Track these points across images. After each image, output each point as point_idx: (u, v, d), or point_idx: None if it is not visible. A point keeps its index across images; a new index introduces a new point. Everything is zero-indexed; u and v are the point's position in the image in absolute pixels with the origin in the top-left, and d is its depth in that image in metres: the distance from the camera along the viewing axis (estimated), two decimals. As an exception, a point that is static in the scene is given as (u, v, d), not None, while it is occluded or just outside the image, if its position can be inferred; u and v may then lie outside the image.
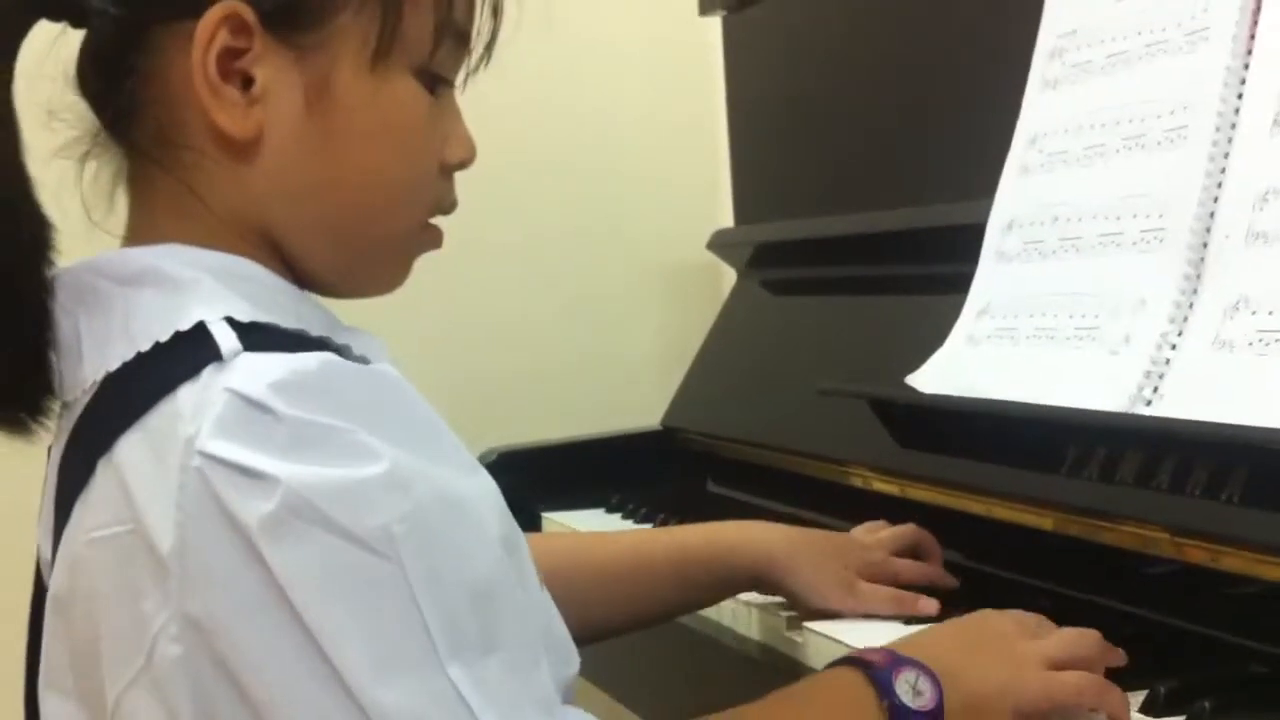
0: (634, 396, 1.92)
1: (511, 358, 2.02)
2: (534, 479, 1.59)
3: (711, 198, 2.03)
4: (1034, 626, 0.89)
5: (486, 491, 0.72)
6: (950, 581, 1.15)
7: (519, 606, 0.71)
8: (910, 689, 0.78)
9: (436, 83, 0.79)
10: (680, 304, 2.09)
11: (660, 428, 1.72)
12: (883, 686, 0.78)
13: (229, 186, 0.75)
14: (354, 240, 0.79)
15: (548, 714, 0.68)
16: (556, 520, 1.56)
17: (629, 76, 2.11)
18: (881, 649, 0.83)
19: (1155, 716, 0.83)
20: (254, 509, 0.65)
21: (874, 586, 1.09)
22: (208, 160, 0.75)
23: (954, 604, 1.07)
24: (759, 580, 1.11)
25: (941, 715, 0.79)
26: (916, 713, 0.78)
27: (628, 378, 2.04)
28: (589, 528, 1.49)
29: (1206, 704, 0.81)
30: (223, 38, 0.73)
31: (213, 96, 0.73)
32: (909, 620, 1.07)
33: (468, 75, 0.82)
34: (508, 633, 0.68)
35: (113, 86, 0.75)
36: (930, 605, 1.07)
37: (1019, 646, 0.86)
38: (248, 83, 0.74)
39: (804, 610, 1.10)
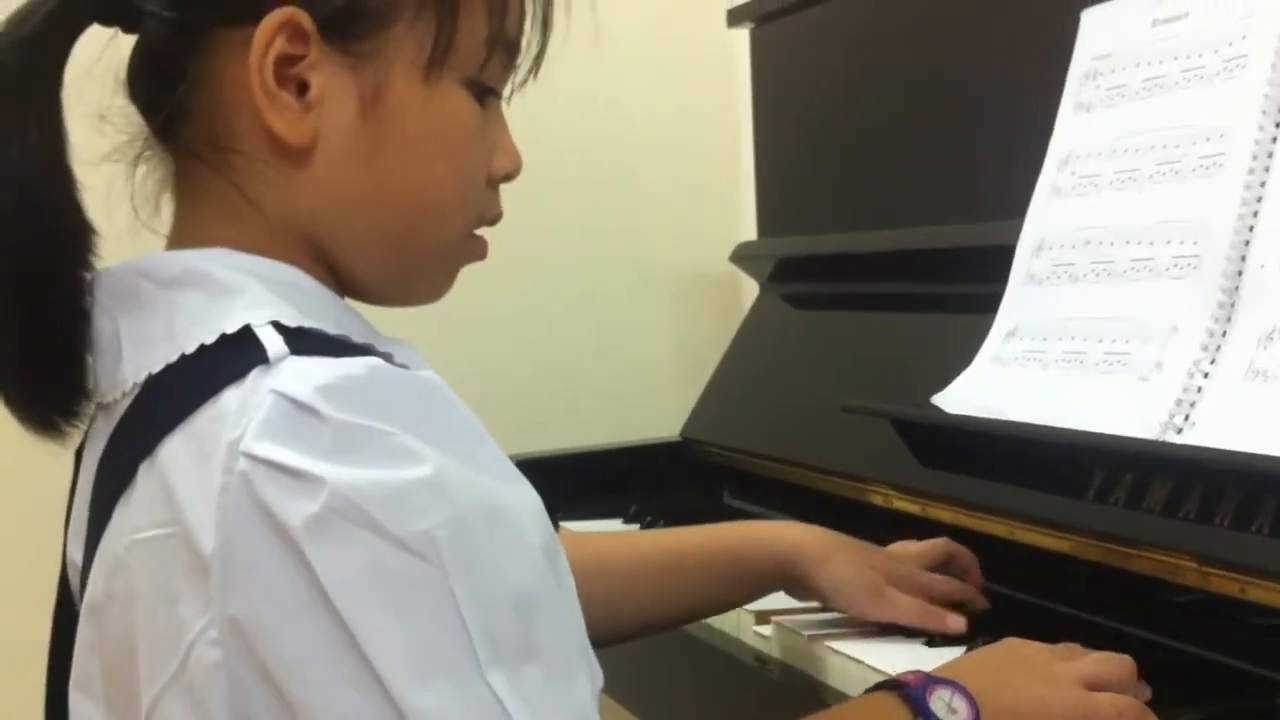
0: (653, 407, 1.92)
1: (532, 366, 2.02)
2: (552, 488, 1.55)
3: (735, 210, 2.03)
4: (1065, 653, 0.89)
5: (528, 501, 0.71)
6: (982, 601, 1.14)
7: (559, 616, 0.70)
8: (945, 706, 0.78)
9: (485, 94, 0.79)
10: (701, 315, 2.09)
11: (679, 439, 1.71)
12: (917, 705, 0.78)
13: (281, 191, 0.75)
14: (402, 248, 0.79)
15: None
16: (574, 529, 1.56)
17: (656, 87, 2.11)
18: (915, 671, 0.82)
19: (1182, 747, 0.82)
20: (298, 509, 0.64)
21: (903, 595, 1.09)
22: (260, 165, 0.75)
23: (976, 628, 1.06)
24: (787, 577, 1.11)
25: None
26: None
27: (647, 388, 2.04)
28: (605, 538, 1.49)
29: (1233, 736, 0.80)
30: (280, 44, 0.73)
31: (269, 102, 0.73)
32: (931, 640, 1.06)
33: (514, 88, 0.82)
34: (547, 642, 0.68)
35: (165, 91, 0.75)
36: (958, 622, 1.07)
37: (1054, 667, 0.86)
38: (302, 89, 0.74)
39: (830, 606, 1.11)
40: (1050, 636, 0.93)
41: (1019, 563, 1.15)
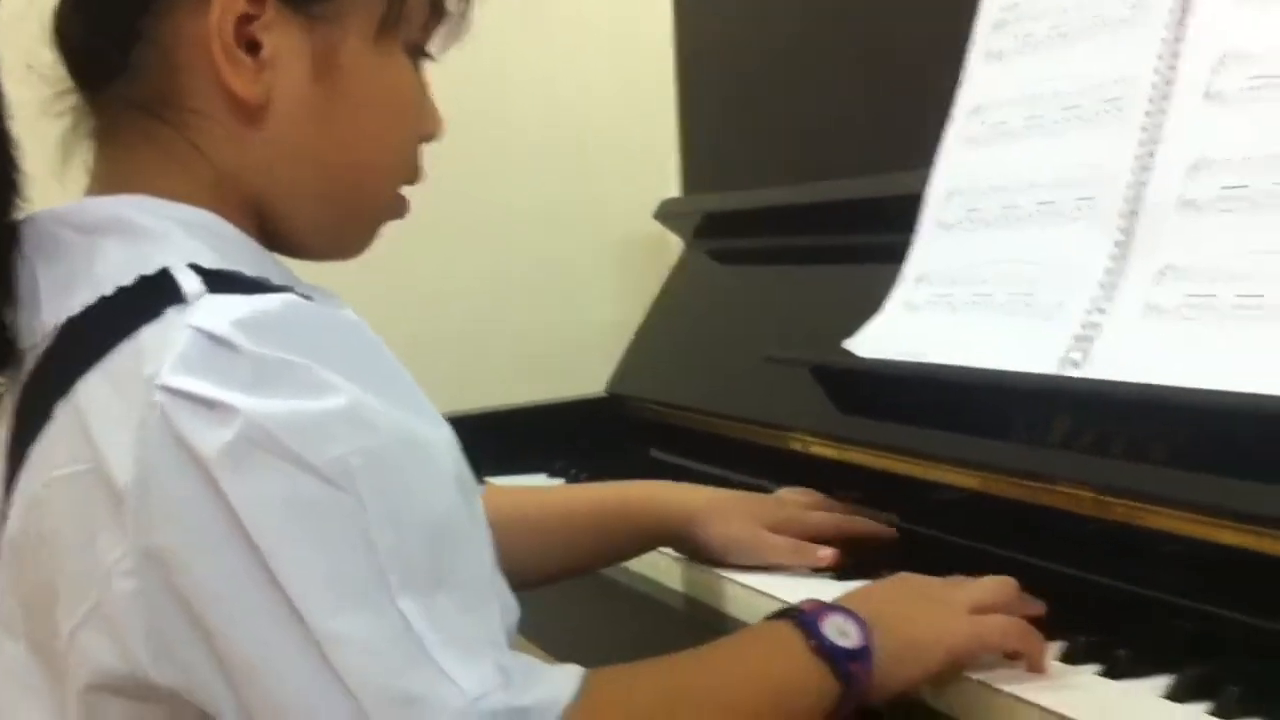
0: (582, 365, 1.92)
1: (459, 325, 2.03)
2: (479, 444, 1.58)
3: (663, 168, 2.04)
4: (954, 582, 0.91)
5: (444, 436, 0.73)
6: (884, 530, 1.16)
7: (472, 547, 0.72)
8: (837, 630, 0.80)
9: (418, 56, 0.83)
10: (630, 273, 2.10)
11: (605, 394, 1.73)
12: (810, 629, 0.80)
13: (229, 147, 0.78)
14: (341, 204, 0.82)
15: (494, 652, 0.69)
16: (498, 484, 1.57)
17: (580, 45, 2.12)
18: (811, 600, 0.84)
19: (1075, 664, 0.85)
20: (213, 439, 0.66)
21: (775, 537, 1.11)
22: (211, 122, 0.77)
23: (891, 565, 1.08)
24: (676, 537, 1.14)
25: (869, 656, 0.80)
26: (843, 650, 0.79)
27: (577, 346, 2.05)
28: (532, 491, 1.51)
29: (1122, 653, 0.83)
30: (239, 4, 0.75)
31: (227, 60, 0.75)
32: (841, 575, 1.08)
33: (439, 50, 0.85)
34: (460, 571, 0.70)
35: (111, 47, 0.77)
36: (828, 554, 1.09)
37: (945, 595, 0.88)
38: (253, 48, 0.76)
39: (720, 563, 1.13)
40: (963, 571, 0.95)
41: (932, 501, 1.17)
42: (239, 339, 0.67)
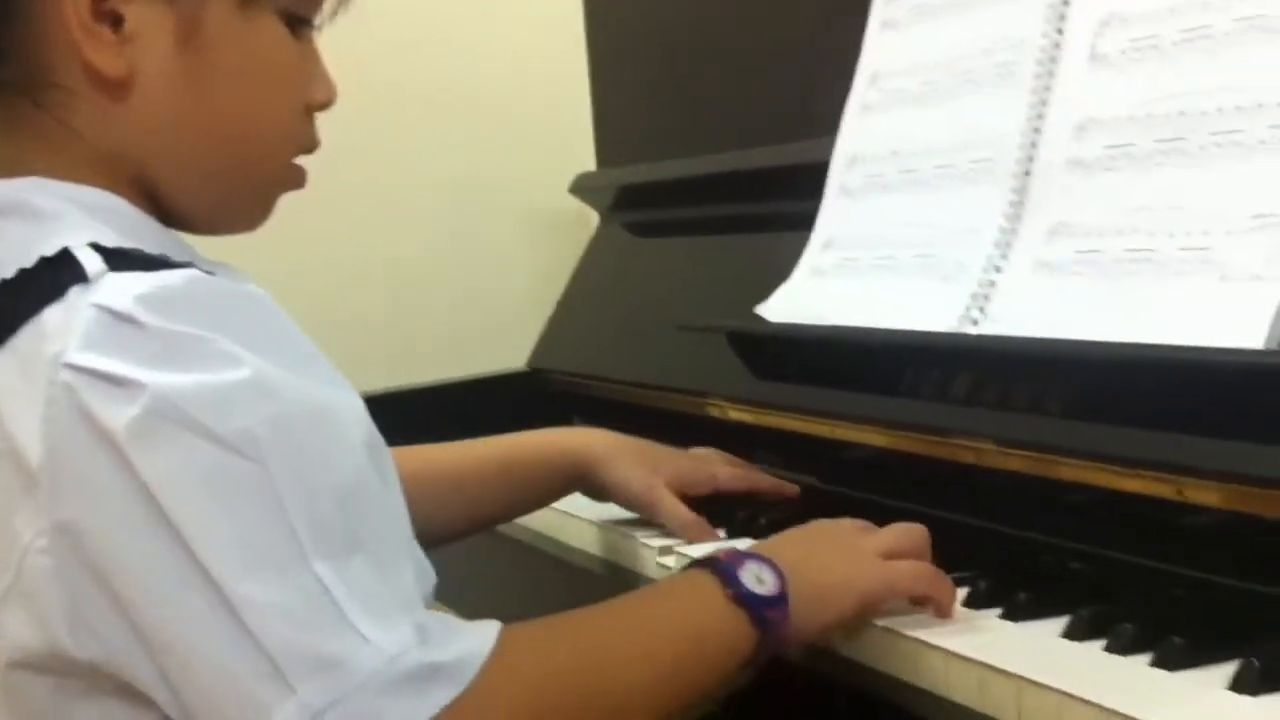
0: (502, 341, 1.94)
1: (377, 301, 2.03)
2: (398, 423, 1.59)
3: (577, 142, 2.05)
4: (864, 528, 0.94)
5: (350, 402, 0.74)
6: (789, 489, 1.19)
7: (384, 510, 0.73)
8: (754, 578, 0.81)
9: (298, 24, 0.83)
10: (548, 248, 2.11)
11: (527, 369, 1.74)
12: (727, 577, 0.81)
13: (102, 124, 0.78)
14: (223, 177, 0.82)
15: (409, 612, 0.70)
16: (407, 447, 1.58)
17: (493, 17, 2.12)
18: (727, 549, 0.85)
19: (977, 608, 0.88)
20: (120, 414, 0.67)
21: (673, 501, 1.13)
22: (79, 99, 0.77)
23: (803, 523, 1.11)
24: (580, 480, 1.16)
25: (785, 602, 0.82)
26: (760, 597, 0.81)
27: (496, 322, 2.07)
28: (457, 468, 1.52)
29: (1022, 596, 0.86)
30: None
31: (86, 36, 0.75)
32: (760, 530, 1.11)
33: (324, 19, 0.85)
34: (373, 534, 0.71)
35: None
36: (714, 536, 1.11)
37: (857, 541, 0.91)
38: (117, 22, 0.76)
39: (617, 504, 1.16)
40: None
41: (845, 460, 1.21)
42: (142, 315, 0.68)
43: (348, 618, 0.67)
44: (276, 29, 0.81)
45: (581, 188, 1.84)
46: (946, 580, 0.88)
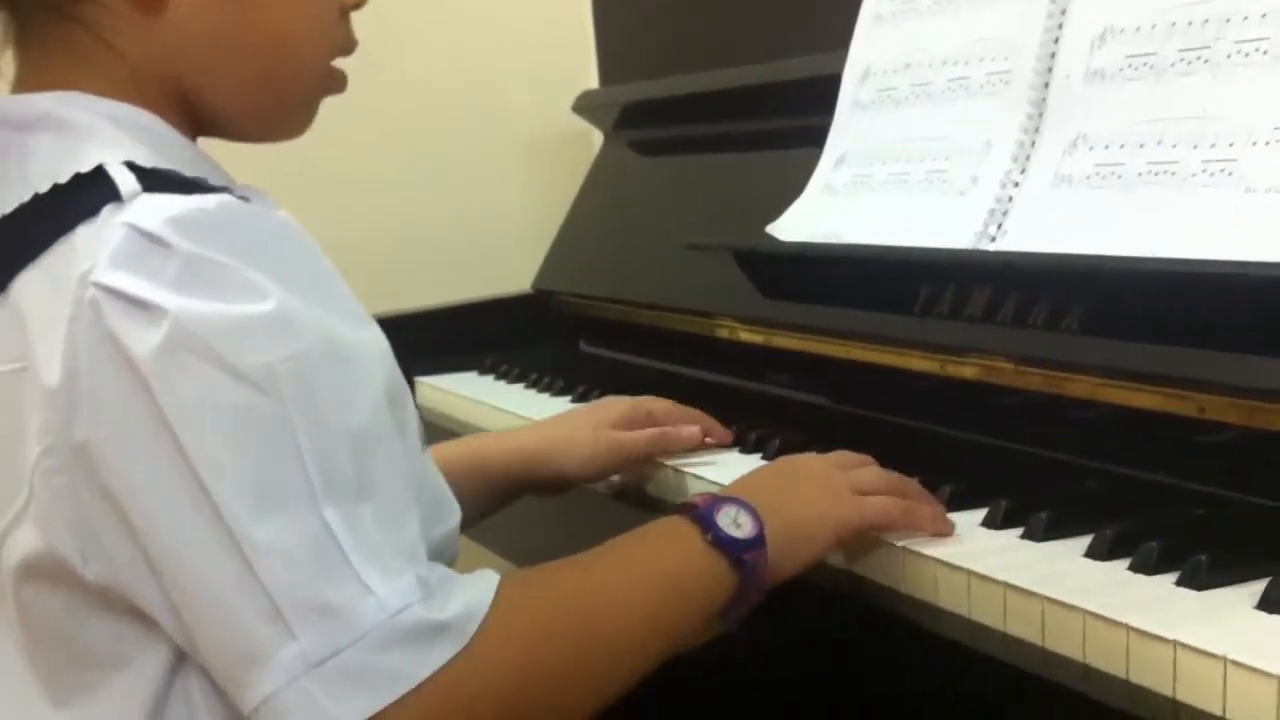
0: (507, 262, 1.92)
1: (383, 224, 2.01)
2: (409, 344, 1.57)
3: (580, 60, 2.02)
4: (852, 463, 0.93)
5: (375, 342, 0.74)
6: (715, 427, 1.15)
7: (396, 458, 0.72)
8: (731, 521, 0.82)
9: None
10: (552, 168, 2.09)
11: (531, 291, 1.73)
12: (705, 523, 0.82)
13: (140, 37, 0.76)
14: (263, 84, 0.80)
15: (412, 562, 0.70)
16: (431, 384, 1.58)
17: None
18: (703, 494, 0.86)
19: (997, 528, 0.87)
20: (142, 339, 0.66)
21: (633, 433, 1.11)
22: (114, 15, 0.76)
23: (821, 443, 1.10)
24: (534, 486, 1.12)
25: (763, 543, 0.82)
26: (738, 541, 0.81)
27: (500, 243, 2.05)
28: (464, 391, 1.51)
29: (1043, 515, 0.85)
30: None
31: None
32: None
33: None
34: (383, 482, 0.70)
35: None
36: (692, 431, 1.11)
37: (833, 478, 0.90)
38: None
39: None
40: (887, 447, 0.97)
41: (855, 380, 1.19)
42: (172, 236, 0.67)
43: (353, 566, 0.67)
44: None
45: (584, 106, 1.81)
46: (923, 509, 0.88)
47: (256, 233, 0.70)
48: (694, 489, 1.07)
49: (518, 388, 1.50)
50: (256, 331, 0.67)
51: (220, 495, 0.66)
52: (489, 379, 1.57)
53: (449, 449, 1.09)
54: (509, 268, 1.86)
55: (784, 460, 0.96)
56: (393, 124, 2.00)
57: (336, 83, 0.84)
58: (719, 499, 0.84)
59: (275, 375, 0.67)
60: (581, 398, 1.39)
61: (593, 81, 1.93)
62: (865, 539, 0.88)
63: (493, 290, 1.75)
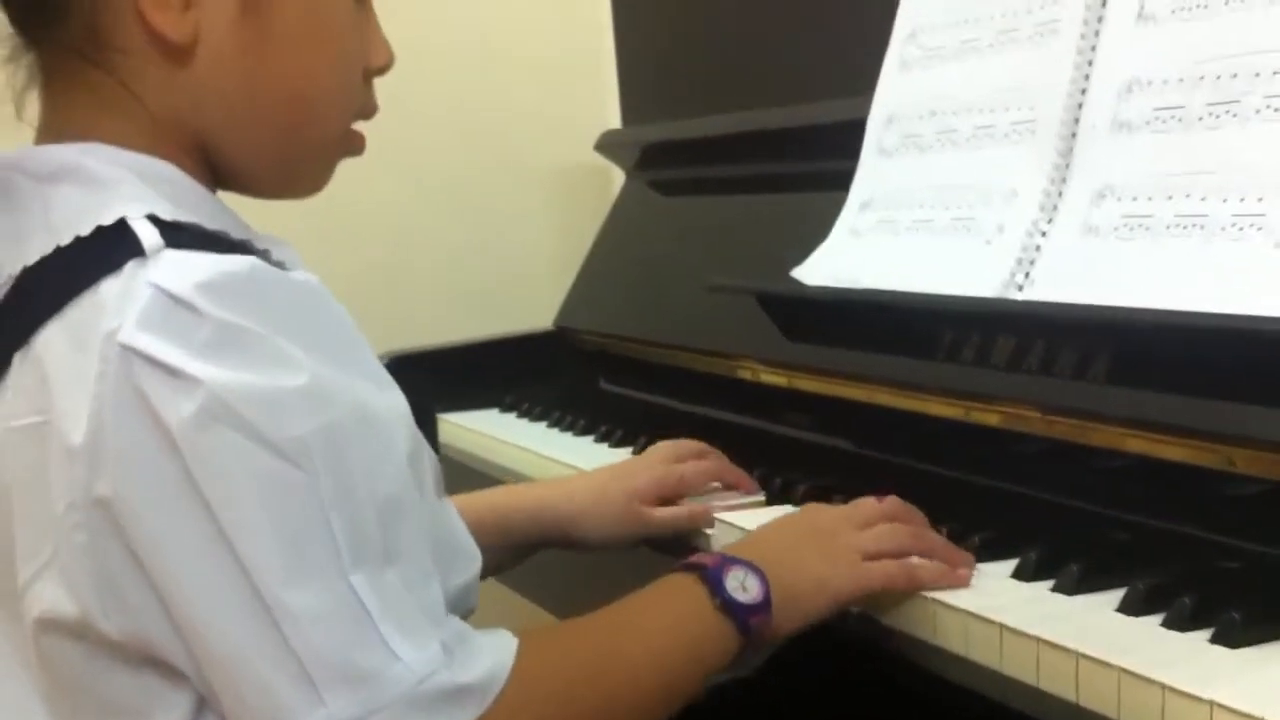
0: (527, 299, 1.93)
1: (403, 259, 2.02)
2: (430, 381, 1.61)
3: (601, 98, 2.03)
4: (861, 517, 0.94)
5: (398, 408, 0.75)
6: (749, 485, 1.15)
7: (420, 522, 0.74)
8: (739, 585, 0.84)
9: None
10: (573, 206, 2.10)
11: (553, 328, 1.74)
12: (714, 585, 0.84)
13: (164, 88, 0.77)
14: (284, 141, 0.81)
15: (437, 625, 0.72)
16: (453, 421, 1.58)
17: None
18: (713, 552, 0.89)
19: (1026, 581, 0.87)
20: (176, 407, 0.66)
21: (659, 511, 1.11)
22: (143, 62, 0.76)
23: (846, 488, 1.10)
24: (555, 545, 1.12)
25: (768, 608, 0.85)
26: (745, 606, 0.84)
27: (521, 280, 2.06)
28: (485, 428, 1.52)
29: (1075, 568, 0.85)
30: None
31: (150, 0, 0.74)
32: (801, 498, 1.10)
33: None
34: (407, 547, 0.72)
35: None
36: (707, 519, 1.10)
37: (838, 541, 0.91)
38: None
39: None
40: (909, 493, 0.98)
41: (879, 424, 1.19)
42: (201, 302, 0.68)
43: (380, 632, 0.68)
44: None
45: (606, 145, 1.82)
46: (924, 570, 0.89)
47: (285, 299, 0.71)
48: (721, 536, 1.07)
49: (540, 426, 1.51)
50: (289, 404, 0.68)
51: (251, 561, 0.67)
52: (510, 416, 1.58)
53: (477, 500, 1.10)
54: (529, 304, 1.87)
55: (797, 516, 0.97)
56: (414, 158, 2.01)
57: (355, 144, 0.85)
58: (728, 560, 0.86)
59: (307, 447, 0.68)
60: (604, 438, 1.39)
61: (614, 119, 1.94)
62: (897, 595, 0.88)
63: (513, 326, 1.76)
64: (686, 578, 0.85)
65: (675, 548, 1.11)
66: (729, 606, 0.83)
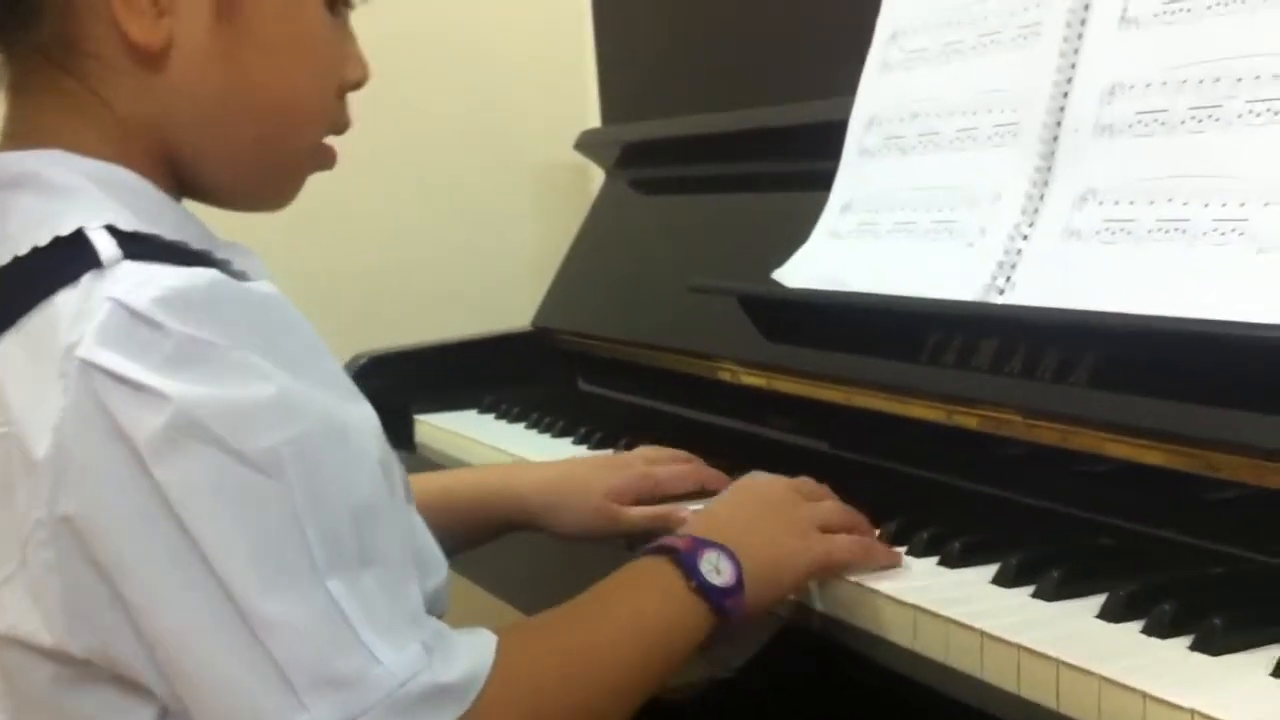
0: (504, 298, 1.92)
1: (381, 258, 2.01)
2: (407, 382, 1.60)
3: (582, 98, 2.03)
4: (808, 490, 0.97)
5: (367, 418, 0.75)
6: (725, 481, 1.14)
7: (393, 526, 0.74)
8: (712, 568, 0.85)
9: (335, 2, 0.81)
10: (552, 205, 2.09)
11: (531, 328, 1.73)
12: (688, 568, 0.84)
13: (135, 95, 0.76)
14: (253, 153, 0.80)
15: (416, 626, 0.71)
16: (429, 422, 1.57)
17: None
18: (683, 535, 0.89)
19: (1006, 587, 0.87)
20: (143, 423, 0.66)
21: (630, 510, 1.10)
22: (114, 69, 0.75)
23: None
24: (522, 526, 1.12)
25: (742, 589, 0.86)
26: (719, 589, 0.84)
27: (498, 279, 2.05)
28: (465, 431, 1.51)
29: (1055, 574, 0.85)
30: None
31: (123, 6, 0.74)
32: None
33: None
34: (382, 551, 0.71)
35: None
36: (686, 515, 1.08)
37: (797, 515, 0.93)
38: None
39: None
40: (889, 496, 0.98)
41: (859, 427, 1.19)
42: (161, 316, 0.67)
43: (360, 637, 0.68)
44: (315, 6, 0.80)
45: (586, 144, 1.82)
46: (881, 549, 0.92)
47: (246, 310, 0.70)
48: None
49: (518, 427, 1.50)
50: (258, 416, 0.67)
51: (227, 572, 0.66)
52: (489, 418, 1.57)
53: (447, 480, 1.11)
54: (506, 303, 1.86)
55: (746, 488, 0.98)
56: (392, 157, 2.00)
57: (326, 159, 0.84)
58: (700, 543, 0.86)
59: (279, 458, 0.67)
60: (583, 439, 1.38)
61: (594, 118, 1.93)
62: (877, 600, 0.88)
63: (490, 325, 1.75)
64: (659, 561, 0.85)
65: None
66: (704, 590, 0.84)
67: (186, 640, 0.67)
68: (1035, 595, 0.85)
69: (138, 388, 0.66)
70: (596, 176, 1.90)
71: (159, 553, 0.66)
